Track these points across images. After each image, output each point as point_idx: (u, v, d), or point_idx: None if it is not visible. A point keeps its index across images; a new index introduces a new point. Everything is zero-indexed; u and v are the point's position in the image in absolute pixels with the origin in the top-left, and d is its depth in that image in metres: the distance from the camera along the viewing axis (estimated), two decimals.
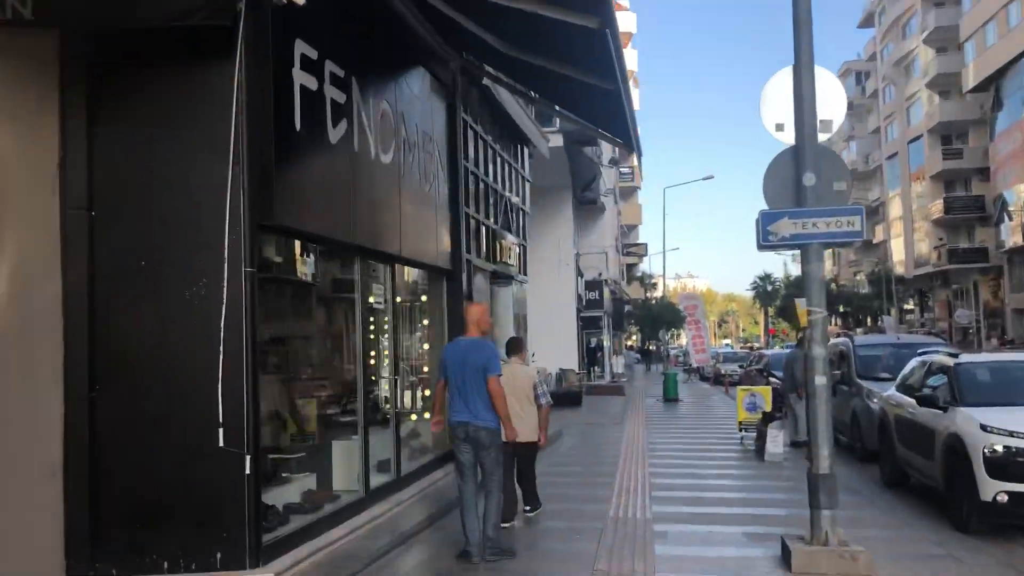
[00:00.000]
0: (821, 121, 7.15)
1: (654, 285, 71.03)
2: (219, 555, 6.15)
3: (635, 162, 69.26)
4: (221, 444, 6.14)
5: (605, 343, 38.44)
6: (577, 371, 26.49)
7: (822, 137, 7.17)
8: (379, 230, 8.69)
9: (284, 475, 7.83)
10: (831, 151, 7.46)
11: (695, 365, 37.17)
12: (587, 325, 37.01)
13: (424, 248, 10.25)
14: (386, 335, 9.36)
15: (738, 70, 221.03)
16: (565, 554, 7.43)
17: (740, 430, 14.89)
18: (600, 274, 35.76)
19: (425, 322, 11.30)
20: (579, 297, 29.47)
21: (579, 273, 30.78)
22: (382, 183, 8.79)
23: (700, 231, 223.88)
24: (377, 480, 8.78)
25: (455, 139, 11.49)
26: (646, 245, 67.22)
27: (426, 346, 11.33)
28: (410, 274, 10.71)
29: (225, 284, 6.21)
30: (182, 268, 6.28)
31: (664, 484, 10.82)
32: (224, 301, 6.20)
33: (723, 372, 35.76)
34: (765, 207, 7.22)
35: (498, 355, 7.20)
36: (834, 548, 6.67)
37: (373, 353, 9.11)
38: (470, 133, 12.54)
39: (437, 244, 10.70)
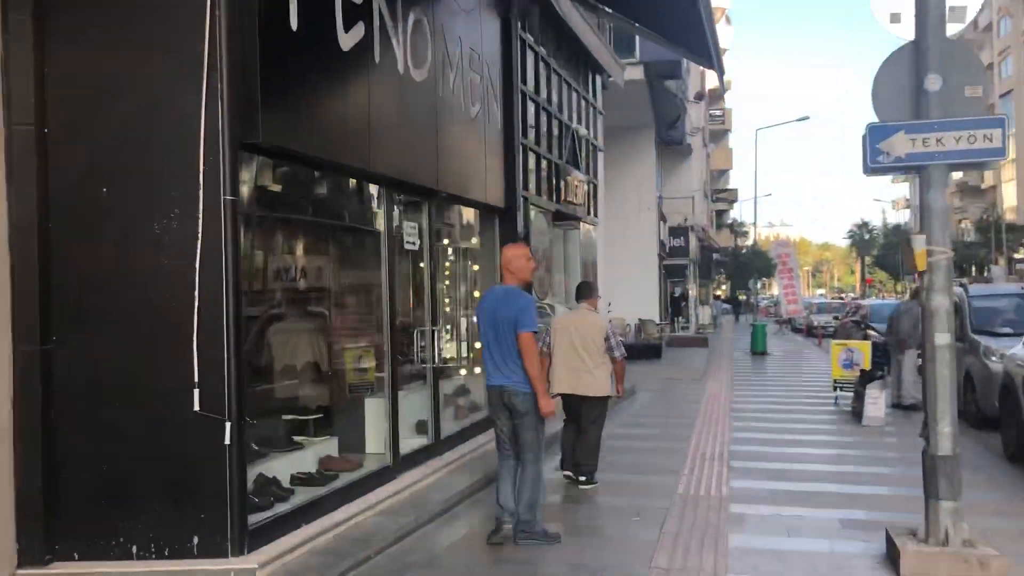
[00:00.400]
0: (951, 8, 5.61)
1: (745, 233, 68.27)
2: (196, 540, 5.15)
3: (725, 103, 66.38)
4: (197, 408, 5.12)
5: (690, 292, 36.81)
6: (658, 322, 25.07)
7: (952, 29, 5.63)
8: (409, 158, 7.49)
9: (297, 439, 6.82)
10: (963, 46, 5.88)
11: (786, 316, 35.21)
12: (671, 273, 35.43)
13: (470, 182, 9.02)
14: (423, 280, 8.21)
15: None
16: (619, 542, 6.22)
17: (834, 389, 13.38)
18: (686, 220, 34.03)
19: (475, 266, 10.13)
20: (661, 244, 27.92)
21: (662, 218, 29.16)
22: (414, 104, 7.56)
23: (794, 177, 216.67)
24: (409, 445, 7.71)
25: (510, 60, 10.15)
26: (737, 191, 64.62)
27: (476, 293, 10.16)
28: (456, 212, 9.53)
29: (201, 215, 5.15)
30: (150, 196, 5.21)
31: (746, 452, 9.49)
32: (199, 236, 5.14)
33: (816, 323, 33.80)
34: (875, 121, 5.75)
35: (533, 306, 5.98)
36: (957, 550, 5.29)
37: (404, 300, 7.99)
38: (530, 55, 11.17)
39: (486, 178, 9.45)
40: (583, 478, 7.79)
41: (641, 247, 25.35)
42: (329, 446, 7.02)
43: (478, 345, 10.08)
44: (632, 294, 24.87)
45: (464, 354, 9.98)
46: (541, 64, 11.66)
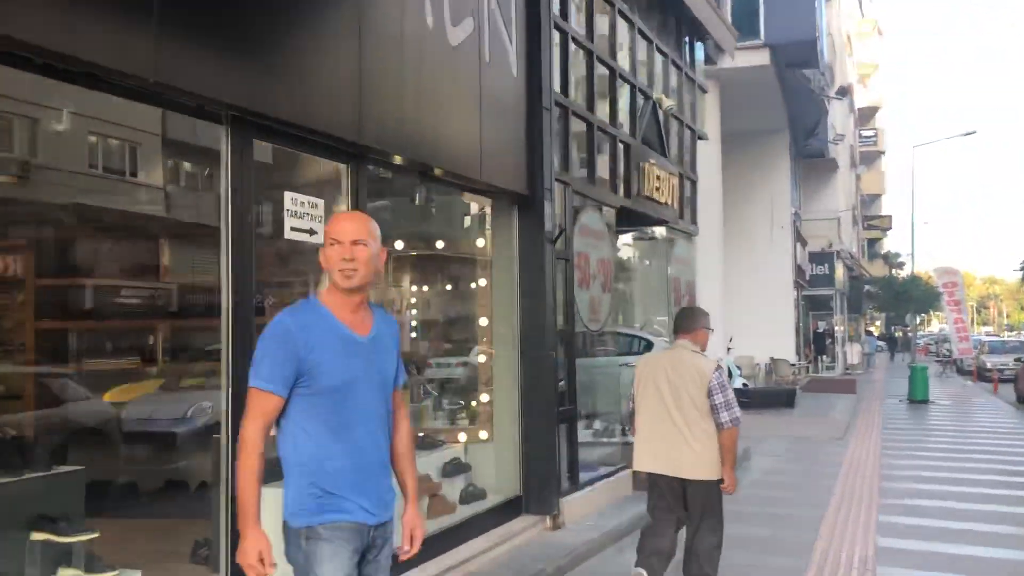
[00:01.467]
0: None
1: (901, 264, 61.64)
2: None
3: (877, 123, 60.61)
4: None
5: (837, 327, 32.08)
6: (793, 362, 20.93)
7: None
8: (294, 85, 4.30)
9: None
10: None
11: (957, 356, 29.87)
12: (814, 306, 31.03)
13: (447, 147, 5.74)
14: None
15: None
16: None
17: None
18: (830, 245, 29.57)
19: (477, 280, 6.82)
20: (799, 270, 23.71)
21: (800, 241, 24.96)
22: None
23: (956, 204, 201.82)
24: None
25: None
26: (891, 218, 58.48)
27: (483, 321, 6.84)
28: (433, 196, 6.27)
29: None
30: None
31: None
32: None
33: (989, 366, 28.46)
34: None
35: (269, 336, 2.63)
36: None
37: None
38: None
39: (483, 145, 6.13)
40: None
41: (773, 272, 21.34)
42: None
43: (485, 398, 6.82)
44: (762, 328, 20.95)
45: (445, 410, 6.66)
46: (602, 1, 8.28)
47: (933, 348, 53.81)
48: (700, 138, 11.33)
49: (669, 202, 9.65)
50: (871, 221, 57.98)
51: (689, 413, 4.82)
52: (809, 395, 20.32)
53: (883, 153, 59.36)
